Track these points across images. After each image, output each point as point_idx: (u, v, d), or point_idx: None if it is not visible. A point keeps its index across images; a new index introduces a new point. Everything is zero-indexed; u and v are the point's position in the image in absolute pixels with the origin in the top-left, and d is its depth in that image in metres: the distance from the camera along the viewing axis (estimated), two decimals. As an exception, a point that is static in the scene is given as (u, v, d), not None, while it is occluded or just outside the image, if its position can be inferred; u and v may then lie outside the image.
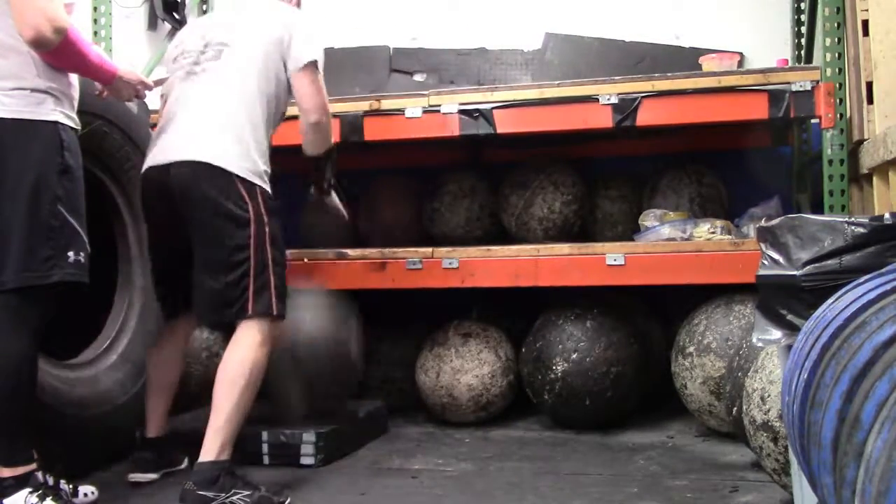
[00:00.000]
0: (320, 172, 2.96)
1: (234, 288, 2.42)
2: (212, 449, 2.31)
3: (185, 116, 2.53)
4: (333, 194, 3.05)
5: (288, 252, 3.44)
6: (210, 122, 2.50)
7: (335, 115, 3.44)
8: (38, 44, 2.09)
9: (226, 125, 2.50)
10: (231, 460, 2.35)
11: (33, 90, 2.16)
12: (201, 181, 2.43)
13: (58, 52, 2.13)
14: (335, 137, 3.04)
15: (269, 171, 2.61)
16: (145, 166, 2.57)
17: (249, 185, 2.47)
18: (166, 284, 2.67)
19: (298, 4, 2.91)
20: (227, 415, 2.33)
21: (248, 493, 2.28)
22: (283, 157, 4.33)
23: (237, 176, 2.45)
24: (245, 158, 2.48)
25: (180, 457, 2.73)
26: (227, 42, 2.59)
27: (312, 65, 2.62)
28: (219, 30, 2.64)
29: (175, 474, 2.68)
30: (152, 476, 2.64)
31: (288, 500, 2.39)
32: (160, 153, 2.52)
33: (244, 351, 2.38)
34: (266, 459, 2.80)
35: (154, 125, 3.24)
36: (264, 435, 2.81)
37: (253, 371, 2.37)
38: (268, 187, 2.57)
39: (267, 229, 2.48)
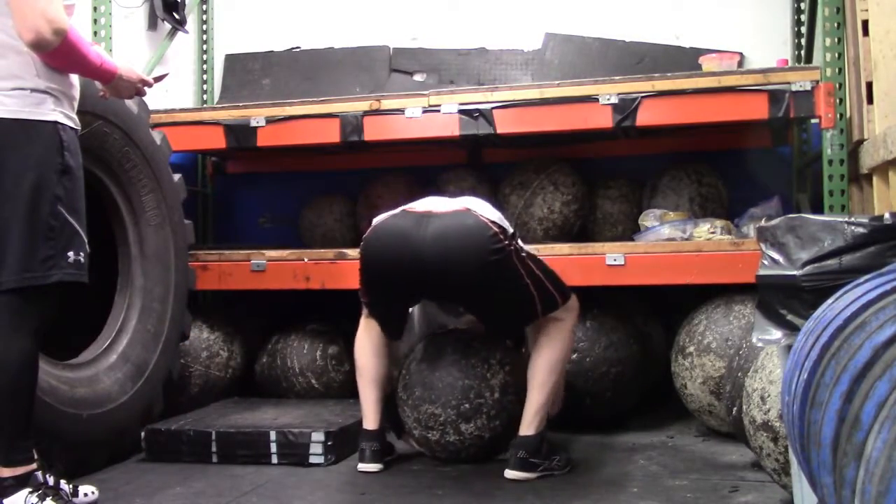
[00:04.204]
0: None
1: (524, 314, 2.64)
2: (533, 424, 2.60)
3: None
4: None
5: (288, 252, 3.47)
6: None
7: (336, 115, 3.45)
8: (38, 46, 2.09)
9: None
10: (544, 430, 2.65)
11: (33, 90, 2.16)
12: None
13: (58, 54, 2.13)
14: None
15: None
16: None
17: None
18: (388, 316, 2.77)
19: None
20: (547, 395, 2.61)
21: (559, 458, 2.63)
22: (283, 158, 4.35)
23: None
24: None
25: (393, 447, 2.82)
26: None
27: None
28: None
29: (187, 481, 2.69)
30: (379, 466, 2.68)
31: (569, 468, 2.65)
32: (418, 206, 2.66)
33: (559, 342, 2.65)
34: (274, 459, 2.80)
35: (155, 125, 3.25)
36: (272, 434, 2.80)
37: (566, 355, 2.70)
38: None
39: (523, 253, 2.60)
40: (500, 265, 2.52)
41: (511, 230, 2.58)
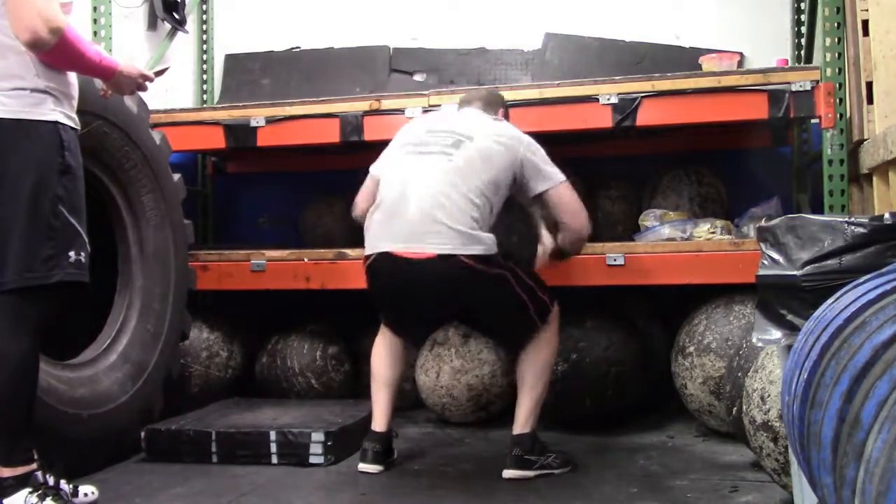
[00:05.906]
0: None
1: (522, 325, 2.68)
2: (527, 423, 2.66)
3: (419, 203, 2.57)
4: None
5: (288, 252, 3.47)
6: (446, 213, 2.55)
7: (336, 115, 3.45)
8: (35, 45, 2.08)
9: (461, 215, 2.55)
10: (537, 428, 2.71)
11: (33, 90, 2.16)
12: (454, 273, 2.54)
13: (55, 53, 2.13)
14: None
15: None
16: (379, 250, 2.60)
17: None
18: (403, 329, 2.82)
19: (507, 117, 2.92)
20: (537, 396, 2.68)
21: (555, 455, 2.67)
22: (283, 158, 4.35)
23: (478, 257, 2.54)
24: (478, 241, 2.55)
25: (394, 452, 2.82)
26: (469, 136, 2.66)
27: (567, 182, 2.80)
28: (459, 125, 2.72)
29: (189, 481, 2.69)
30: (380, 468, 2.69)
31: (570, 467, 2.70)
32: (398, 240, 2.57)
33: (547, 345, 2.71)
34: (274, 459, 2.80)
35: (155, 125, 3.25)
36: (272, 434, 2.80)
37: (552, 358, 2.76)
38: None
39: (517, 269, 2.63)
40: (487, 286, 2.56)
41: (495, 251, 2.55)
